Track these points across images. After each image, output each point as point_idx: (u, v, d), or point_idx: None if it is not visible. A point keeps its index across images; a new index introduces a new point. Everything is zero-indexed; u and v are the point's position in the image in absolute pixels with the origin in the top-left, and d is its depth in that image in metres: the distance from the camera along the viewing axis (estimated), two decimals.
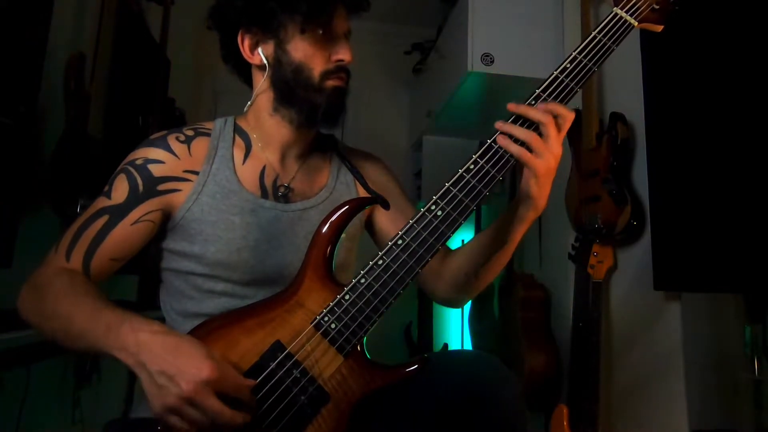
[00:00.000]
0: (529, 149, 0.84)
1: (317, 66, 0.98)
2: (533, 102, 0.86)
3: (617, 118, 1.86)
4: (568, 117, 0.84)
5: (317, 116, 0.99)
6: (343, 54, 0.99)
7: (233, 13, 1.00)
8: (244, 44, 1.01)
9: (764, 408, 1.44)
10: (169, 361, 0.73)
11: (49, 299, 0.85)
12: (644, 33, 0.95)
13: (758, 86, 1.31)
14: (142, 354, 0.74)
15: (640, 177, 1.82)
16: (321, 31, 0.97)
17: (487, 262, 0.99)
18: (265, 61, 1.00)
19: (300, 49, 0.97)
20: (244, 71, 1.07)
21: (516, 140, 0.84)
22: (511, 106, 0.86)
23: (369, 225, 1.15)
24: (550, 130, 0.83)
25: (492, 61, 2.24)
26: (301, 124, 1.02)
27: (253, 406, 0.78)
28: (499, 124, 0.86)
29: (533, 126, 0.85)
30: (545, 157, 0.83)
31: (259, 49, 1.00)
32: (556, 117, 0.84)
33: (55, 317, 0.83)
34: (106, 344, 0.77)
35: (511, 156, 0.85)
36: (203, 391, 0.71)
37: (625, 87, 1.93)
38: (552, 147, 0.83)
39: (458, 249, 1.07)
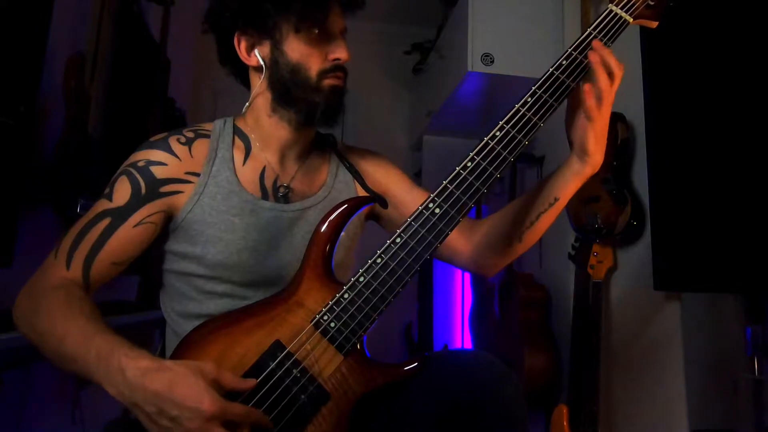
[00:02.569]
0: (599, 97, 0.88)
1: (314, 65, 0.98)
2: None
3: (617, 117, 1.85)
4: (619, 74, 0.90)
5: (316, 116, 0.99)
6: (340, 53, 0.99)
7: (228, 15, 0.99)
8: (241, 46, 1.01)
9: (764, 408, 1.43)
10: (165, 399, 0.70)
11: (42, 315, 0.82)
12: (644, 32, 0.96)
13: (758, 86, 1.31)
14: (135, 395, 0.72)
15: (640, 177, 1.82)
16: (316, 30, 0.97)
17: (534, 223, 0.99)
18: (262, 63, 0.99)
19: (296, 49, 0.97)
20: (241, 73, 1.07)
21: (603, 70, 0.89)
22: (597, 43, 0.90)
23: (376, 218, 1.15)
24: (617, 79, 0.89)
25: (492, 61, 2.24)
26: (300, 124, 1.02)
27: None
28: (597, 43, 0.90)
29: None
30: (605, 110, 0.89)
31: (256, 51, 1.00)
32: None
33: (47, 335, 0.81)
34: (97, 376, 0.75)
35: (509, 153, 0.86)
36: (209, 425, 0.70)
37: (625, 87, 1.92)
38: (611, 98, 0.89)
39: (495, 213, 1.06)
